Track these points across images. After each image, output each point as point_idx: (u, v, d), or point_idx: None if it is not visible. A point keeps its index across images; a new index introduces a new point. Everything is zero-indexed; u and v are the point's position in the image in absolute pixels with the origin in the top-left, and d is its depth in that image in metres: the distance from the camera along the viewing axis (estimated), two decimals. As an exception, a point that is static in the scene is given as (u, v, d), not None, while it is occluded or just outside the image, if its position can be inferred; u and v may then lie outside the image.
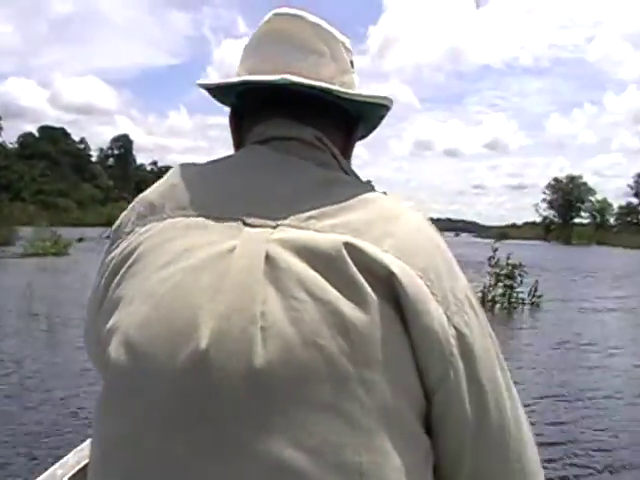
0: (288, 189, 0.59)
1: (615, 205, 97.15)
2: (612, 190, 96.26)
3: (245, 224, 0.55)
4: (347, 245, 0.51)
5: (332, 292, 0.50)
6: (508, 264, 13.72)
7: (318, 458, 0.46)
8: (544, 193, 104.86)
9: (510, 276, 13.50)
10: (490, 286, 13.39)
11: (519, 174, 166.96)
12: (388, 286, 0.50)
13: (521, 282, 13.68)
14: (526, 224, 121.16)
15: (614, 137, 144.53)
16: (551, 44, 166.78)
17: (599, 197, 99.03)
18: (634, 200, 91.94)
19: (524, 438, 0.54)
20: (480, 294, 12.90)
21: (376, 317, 0.48)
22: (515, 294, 13.52)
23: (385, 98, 0.73)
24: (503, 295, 13.43)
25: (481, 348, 0.51)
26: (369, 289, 0.49)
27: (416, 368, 0.49)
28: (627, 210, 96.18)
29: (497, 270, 13.40)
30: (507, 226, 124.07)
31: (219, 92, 0.77)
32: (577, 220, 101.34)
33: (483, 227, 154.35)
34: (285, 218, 0.55)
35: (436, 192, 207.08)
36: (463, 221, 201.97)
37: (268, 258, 0.51)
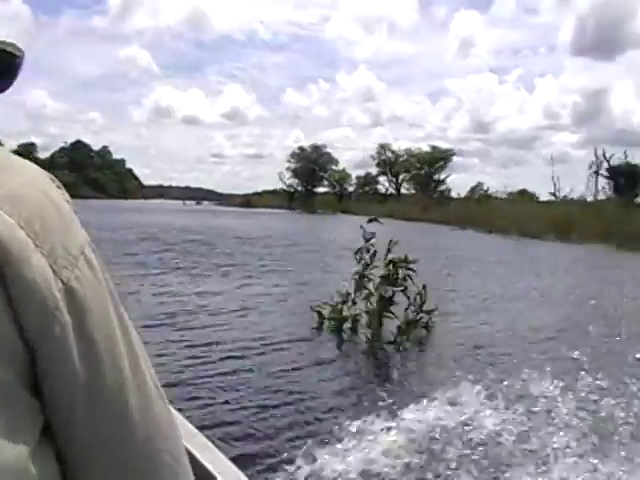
0: None
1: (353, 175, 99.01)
2: (344, 161, 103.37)
3: None
4: None
5: None
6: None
7: None
8: (289, 161, 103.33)
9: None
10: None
11: (256, 144, 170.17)
12: None
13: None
14: (266, 192, 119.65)
15: (344, 112, 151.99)
16: (289, 21, 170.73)
17: (339, 167, 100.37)
18: (374, 170, 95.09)
19: (148, 399, 0.52)
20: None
21: None
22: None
23: (3, 42, 0.58)
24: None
25: (95, 305, 0.49)
26: None
27: (15, 323, 0.45)
28: (364, 180, 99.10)
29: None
30: (249, 194, 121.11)
31: None
32: (320, 189, 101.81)
33: (223, 195, 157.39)
34: None
35: (175, 160, 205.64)
36: (202, 189, 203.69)
37: None
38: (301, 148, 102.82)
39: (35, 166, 0.52)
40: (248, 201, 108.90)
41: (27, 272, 0.44)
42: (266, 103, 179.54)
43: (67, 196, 0.53)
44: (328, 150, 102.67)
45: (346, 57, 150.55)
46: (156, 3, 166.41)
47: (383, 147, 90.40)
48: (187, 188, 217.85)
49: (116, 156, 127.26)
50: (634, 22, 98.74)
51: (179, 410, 1.16)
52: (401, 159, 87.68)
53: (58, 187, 0.53)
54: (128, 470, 0.50)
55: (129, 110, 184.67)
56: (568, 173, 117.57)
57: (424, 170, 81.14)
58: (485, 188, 69.19)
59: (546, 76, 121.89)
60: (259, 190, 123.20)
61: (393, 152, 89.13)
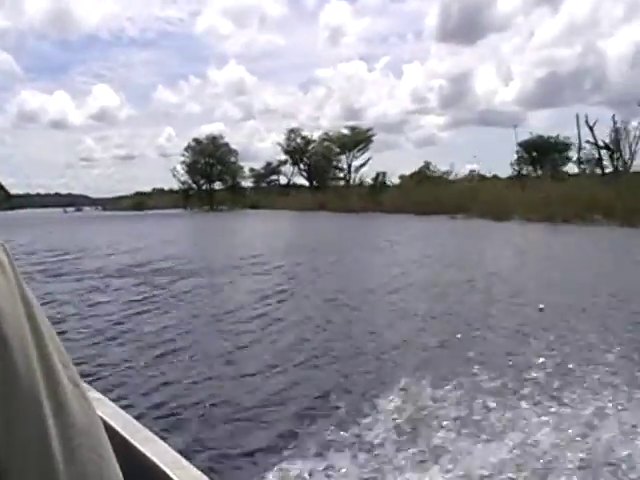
0: None
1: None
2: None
3: None
4: None
5: None
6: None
7: None
8: (183, 155, 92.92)
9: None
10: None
11: (127, 145, 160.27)
12: None
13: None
14: (159, 191, 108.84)
15: (217, 107, 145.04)
16: (158, 17, 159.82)
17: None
18: (275, 160, 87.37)
19: (63, 396, 0.52)
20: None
21: None
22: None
23: None
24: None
25: (8, 307, 0.49)
26: None
27: None
28: (265, 171, 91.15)
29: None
30: (140, 193, 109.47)
31: None
32: (217, 184, 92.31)
33: (96, 199, 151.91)
34: None
35: (43, 166, 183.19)
36: (72, 195, 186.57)
37: None
38: (197, 140, 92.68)
39: None
40: (140, 203, 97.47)
41: None
42: (136, 102, 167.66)
43: None
44: (226, 141, 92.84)
45: (217, 52, 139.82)
46: (17, 3, 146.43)
47: (293, 132, 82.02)
48: (57, 195, 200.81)
49: None
50: (495, 8, 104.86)
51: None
52: (312, 145, 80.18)
53: None
54: (49, 471, 0.50)
55: None
56: (437, 153, 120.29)
57: (345, 154, 73.90)
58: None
59: (413, 62, 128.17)
60: (132, 192, 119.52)
61: (304, 137, 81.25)
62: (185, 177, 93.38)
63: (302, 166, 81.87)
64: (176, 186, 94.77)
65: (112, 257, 20.44)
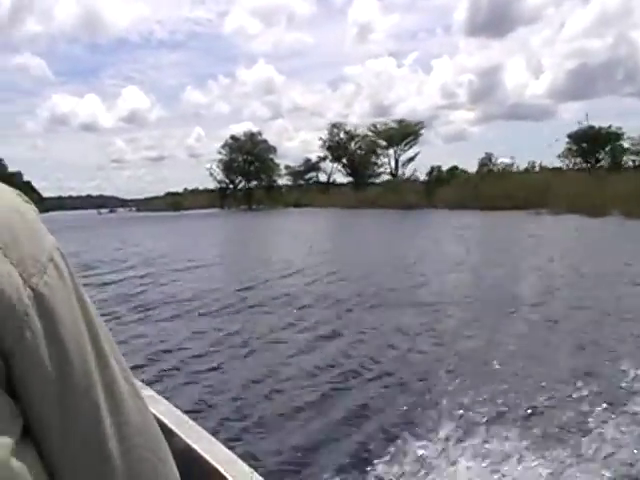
0: None
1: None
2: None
3: None
4: None
5: None
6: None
7: None
8: (220, 153, 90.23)
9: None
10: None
11: (157, 146, 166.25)
12: None
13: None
14: (195, 191, 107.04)
15: (245, 107, 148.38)
16: (186, 18, 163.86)
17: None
18: (314, 157, 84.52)
19: (119, 396, 0.53)
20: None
21: None
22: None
23: None
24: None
25: (64, 309, 0.50)
26: None
27: None
28: (304, 168, 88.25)
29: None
30: (174, 194, 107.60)
31: None
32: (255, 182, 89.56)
33: (137, 201, 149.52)
34: None
35: (74, 169, 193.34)
36: (103, 196, 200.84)
37: None
38: (234, 137, 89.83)
39: (1, 183, 0.54)
40: (175, 203, 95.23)
41: None
42: (165, 103, 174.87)
43: (34, 207, 0.54)
44: (265, 137, 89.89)
45: (245, 51, 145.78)
46: (47, 8, 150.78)
47: (336, 127, 78.66)
48: (88, 197, 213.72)
49: (11, 169, 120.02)
50: (523, 1, 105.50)
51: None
52: (357, 139, 76.71)
53: (26, 201, 0.55)
54: (105, 469, 0.51)
55: (23, 121, 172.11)
56: (467, 148, 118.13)
57: (393, 148, 70.27)
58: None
59: (442, 57, 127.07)
60: (162, 192, 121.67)
61: (347, 132, 77.78)
62: (221, 175, 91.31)
63: (345, 162, 78.52)
64: (211, 185, 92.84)
65: (197, 272, 16.68)
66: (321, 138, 79.65)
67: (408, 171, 68.82)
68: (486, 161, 52.23)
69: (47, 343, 0.48)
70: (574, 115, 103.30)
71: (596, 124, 59.12)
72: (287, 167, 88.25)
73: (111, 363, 0.53)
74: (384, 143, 70.00)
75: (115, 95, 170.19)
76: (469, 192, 43.77)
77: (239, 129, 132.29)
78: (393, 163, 70.07)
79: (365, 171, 77.06)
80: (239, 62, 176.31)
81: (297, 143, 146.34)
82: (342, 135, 77.36)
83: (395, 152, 69.65)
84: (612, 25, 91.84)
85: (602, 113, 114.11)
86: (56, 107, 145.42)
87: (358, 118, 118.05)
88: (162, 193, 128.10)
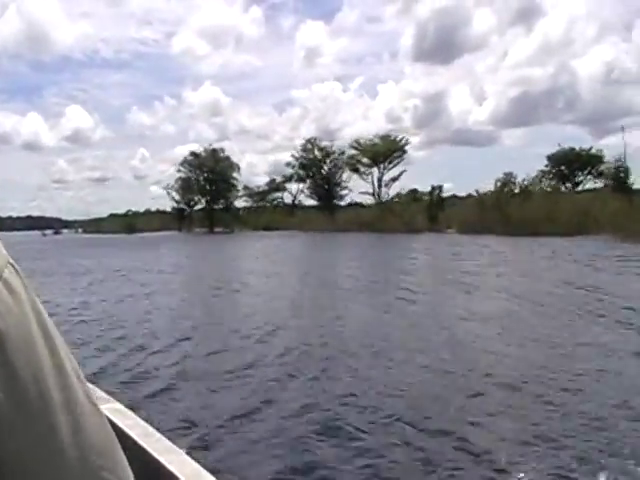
0: None
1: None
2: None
3: None
4: None
5: None
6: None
7: None
8: (179, 171, 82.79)
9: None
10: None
11: (101, 167, 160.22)
12: None
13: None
14: (149, 212, 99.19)
15: (191, 128, 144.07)
16: (132, 38, 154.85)
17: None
18: (278, 177, 78.82)
19: (79, 417, 0.51)
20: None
21: None
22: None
23: None
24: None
25: (19, 331, 0.48)
26: None
27: None
28: (268, 188, 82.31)
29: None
30: (129, 215, 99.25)
31: None
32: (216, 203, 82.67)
33: (81, 222, 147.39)
34: None
35: (15, 189, 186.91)
36: (45, 217, 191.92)
37: None
38: (194, 154, 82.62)
39: None
40: (129, 225, 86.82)
41: None
42: (110, 124, 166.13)
43: None
44: (227, 154, 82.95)
45: (192, 73, 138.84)
46: None
47: (311, 143, 72.22)
48: (29, 217, 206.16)
49: None
50: (470, 27, 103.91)
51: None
52: (332, 157, 70.51)
53: None
54: None
55: None
56: (413, 173, 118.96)
57: (377, 166, 63.94)
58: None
59: (388, 82, 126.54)
60: (105, 214, 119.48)
61: (322, 149, 71.35)
62: (177, 195, 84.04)
63: (318, 181, 72.11)
64: (156, 207, 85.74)
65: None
66: (293, 155, 73.17)
67: (392, 191, 63.11)
68: (507, 180, 46.14)
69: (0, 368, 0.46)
70: (516, 141, 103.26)
71: (540, 151, 56.75)
72: (245, 187, 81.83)
73: (71, 381, 0.51)
74: (367, 161, 63.72)
75: (58, 114, 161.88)
76: (491, 215, 38.03)
77: (184, 150, 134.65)
78: (376, 182, 63.98)
79: (337, 192, 71.28)
80: (186, 83, 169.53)
81: (243, 165, 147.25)
82: (317, 152, 71.05)
83: (379, 170, 63.50)
84: (553, 54, 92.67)
85: (543, 140, 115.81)
86: None
87: (304, 141, 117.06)
88: (105, 214, 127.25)
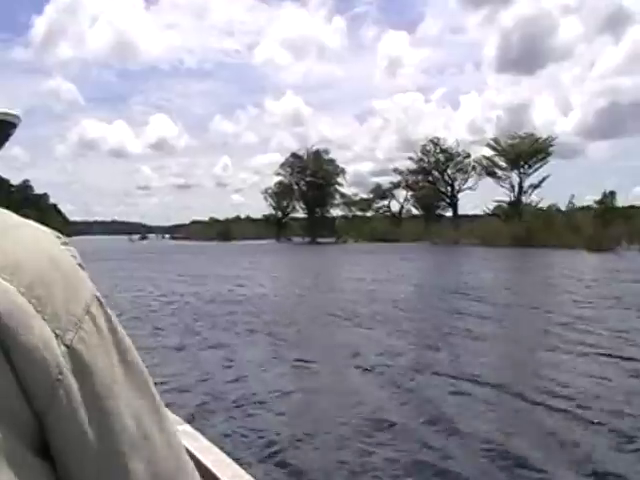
0: None
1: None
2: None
3: None
4: None
5: None
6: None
7: None
8: (278, 174, 76.76)
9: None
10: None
11: (184, 174, 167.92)
12: None
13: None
14: (247, 219, 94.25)
15: (273, 138, 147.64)
16: (216, 48, 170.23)
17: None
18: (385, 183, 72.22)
19: (152, 447, 0.52)
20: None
21: None
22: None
23: (4, 114, 0.60)
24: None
25: (102, 366, 0.49)
26: None
27: (21, 392, 0.45)
28: (374, 195, 75.48)
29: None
30: (226, 220, 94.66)
31: None
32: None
33: (164, 228, 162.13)
34: None
35: (101, 194, 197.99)
36: (129, 223, 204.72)
37: None
38: (296, 155, 76.20)
39: (37, 225, 0.53)
40: (226, 231, 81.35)
41: (28, 340, 0.45)
42: (193, 132, 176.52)
43: (74, 251, 0.53)
44: (332, 157, 76.21)
45: (274, 82, 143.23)
46: (81, 34, 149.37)
47: (433, 142, 63.92)
48: (113, 222, 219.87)
49: (38, 191, 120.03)
50: (555, 37, 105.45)
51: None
52: (459, 159, 61.92)
53: (63, 243, 0.53)
54: None
55: (53, 145, 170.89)
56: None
57: (518, 169, 54.05)
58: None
59: (471, 93, 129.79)
60: (188, 220, 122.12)
61: (444, 150, 62.71)
62: (272, 202, 78.02)
63: (441, 187, 63.64)
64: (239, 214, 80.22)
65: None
66: (411, 157, 65.02)
67: (532, 199, 53.99)
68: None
69: (82, 401, 0.47)
70: (603, 154, 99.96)
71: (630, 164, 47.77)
72: (342, 195, 74.84)
73: (159, 416, 0.52)
74: (503, 164, 54.60)
75: (143, 122, 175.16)
76: None
77: (266, 160, 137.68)
78: (517, 188, 54.70)
79: (455, 199, 62.83)
80: (267, 93, 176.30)
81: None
82: (439, 155, 62.58)
83: (519, 174, 54.10)
84: None
85: (631, 152, 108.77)
86: (85, 132, 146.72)
87: (385, 153, 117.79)
88: (187, 221, 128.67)
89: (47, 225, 0.55)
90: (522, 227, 43.44)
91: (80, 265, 0.52)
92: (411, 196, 71.13)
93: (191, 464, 0.55)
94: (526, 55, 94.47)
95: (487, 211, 57.07)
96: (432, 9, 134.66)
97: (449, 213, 66.26)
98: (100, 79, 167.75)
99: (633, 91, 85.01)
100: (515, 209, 52.00)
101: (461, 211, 64.43)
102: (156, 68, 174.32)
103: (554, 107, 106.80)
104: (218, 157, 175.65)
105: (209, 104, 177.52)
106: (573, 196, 49.28)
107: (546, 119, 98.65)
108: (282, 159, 77.81)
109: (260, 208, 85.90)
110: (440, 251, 42.79)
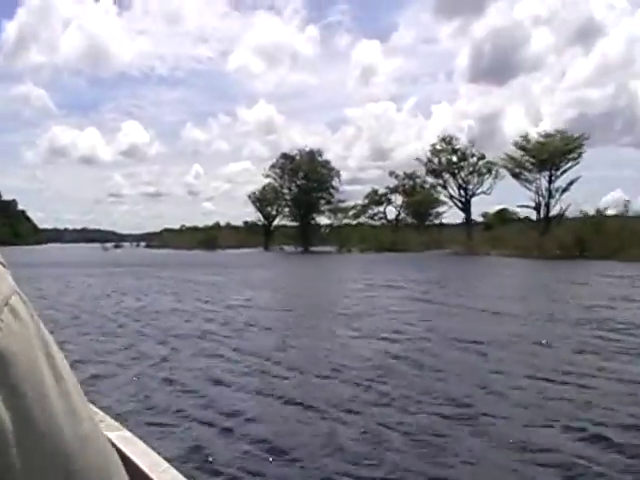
0: None
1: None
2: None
3: None
4: None
5: None
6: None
7: None
8: (267, 177, 70.66)
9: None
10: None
11: (155, 182, 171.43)
12: None
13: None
14: (230, 226, 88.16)
15: (245, 146, 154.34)
16: (188, 56, 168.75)
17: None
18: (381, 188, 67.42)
19: (84, 442, 0.52)
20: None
21: None
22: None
23: None
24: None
25: (21, 354, 0.49)
26: None
27: None
28: (369, 200, 70.60)
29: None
30: (209, 228, 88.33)
31: None
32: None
33: (135, 236, 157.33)
34: None
35: (71, 201, 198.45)
36: (100, 230, 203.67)
37: None
38: (285, 156, 69.98)
39: None
40: (211, 239, 74.66)
41: None
42: (165, 140, 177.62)
43: None
44: (326, 158, 70.38)
45: (247, 90, 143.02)
46: (52, 39, 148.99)
47: (445, 141, 57.50)
48: (84, 230, 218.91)
49: (6, 198, 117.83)
50: (526, 48, 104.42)
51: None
52: (473, 160, 55.98)
53: None
54: None
55: (22, 151, 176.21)
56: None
57: (548, 170, 48.01)
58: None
59: (442, 102, 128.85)
60: (159, 229, 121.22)
61: (456, 150, 56.49)
62: (257, 207, 71.94)
63: (452, 190, 57.66)
64: (202, 223, 74.60)
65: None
66: (418, 159, 58.95)
67: (559, 205, 48.44)
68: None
69: (3, 391, 0.47)
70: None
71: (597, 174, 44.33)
72: (339, 200, 69.21)
73: (74, 406, 0.52)
74: (531, 164, 48.44)
75: (115, 129, 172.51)
76: None
77: (237, 167, 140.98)
78: (545, 191, 48.78)
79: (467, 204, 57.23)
80: (240, 101, 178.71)
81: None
82: (452, 156, 56.58)
83: (550, 175, 48.04)
84: (612, 75, 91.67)
85: (598, 163, 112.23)
86: (56, 138, 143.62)
87: (357, 161, 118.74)
88: (159, 229, 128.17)
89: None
90: (573, 236, 37.52)
91: (2, 263, 0.52)
92: (405, 202, 67.09)
93: (116, 457, 0.55)
94: (498, 65, 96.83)
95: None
96: (405, 19, 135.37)
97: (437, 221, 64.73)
98: (71, 85, 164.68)
99: (602, 102, 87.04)
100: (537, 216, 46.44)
101: (460, 217, 59.39)
102: (128, 75, 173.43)
103: (524, 117, 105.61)
104: (190, 165, 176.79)
105: (181, 112, 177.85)
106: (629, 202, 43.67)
107: (517, 129, 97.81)
108: (254, 167, 72.72)
109: (234, 215, 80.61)
110: (487, 263, 36.53)
